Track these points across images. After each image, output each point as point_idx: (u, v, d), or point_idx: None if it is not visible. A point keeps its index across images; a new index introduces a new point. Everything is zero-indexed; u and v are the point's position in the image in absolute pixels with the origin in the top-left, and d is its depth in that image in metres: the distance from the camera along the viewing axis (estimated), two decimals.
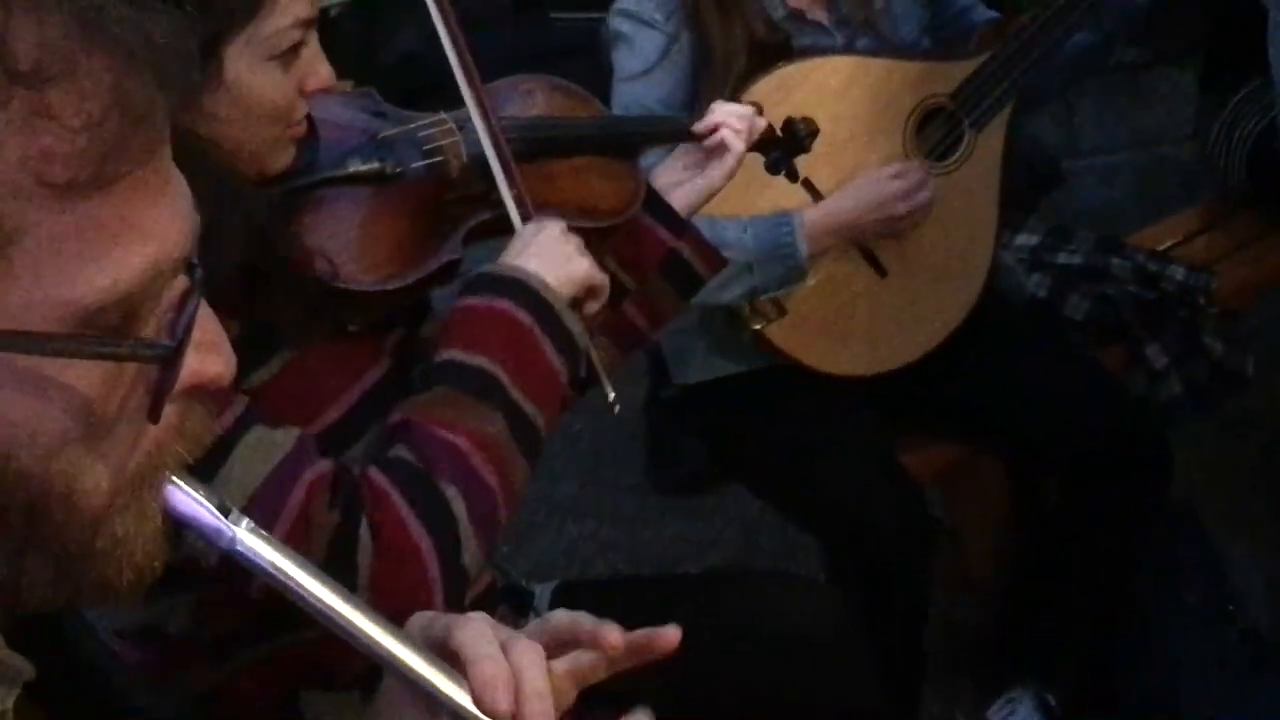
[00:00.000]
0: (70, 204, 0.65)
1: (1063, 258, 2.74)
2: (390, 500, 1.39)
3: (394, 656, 0.85)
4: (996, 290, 2.42)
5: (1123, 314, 2.65)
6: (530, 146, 1.66)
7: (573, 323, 1.54)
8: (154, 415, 0.71)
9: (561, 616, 0.94)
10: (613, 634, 0.92)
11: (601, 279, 1.60)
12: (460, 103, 1.61)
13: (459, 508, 1.41)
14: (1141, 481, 2.33)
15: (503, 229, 1.61)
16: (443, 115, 1.64)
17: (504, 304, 1.51)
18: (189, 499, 0.78)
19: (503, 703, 0.84)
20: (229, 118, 1.40)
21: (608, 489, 3.22)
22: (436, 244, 1.56)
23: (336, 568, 1.32)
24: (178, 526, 0.78)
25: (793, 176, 1.97)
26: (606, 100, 2.18)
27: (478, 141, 1.59)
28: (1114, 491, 2.32)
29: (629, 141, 1.82)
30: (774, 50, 2.25)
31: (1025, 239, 2.79)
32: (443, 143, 1.60)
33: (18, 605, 0.72)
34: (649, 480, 3.29)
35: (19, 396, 0.67)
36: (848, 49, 2.33)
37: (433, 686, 0.85)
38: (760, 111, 1.85)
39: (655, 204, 1.77)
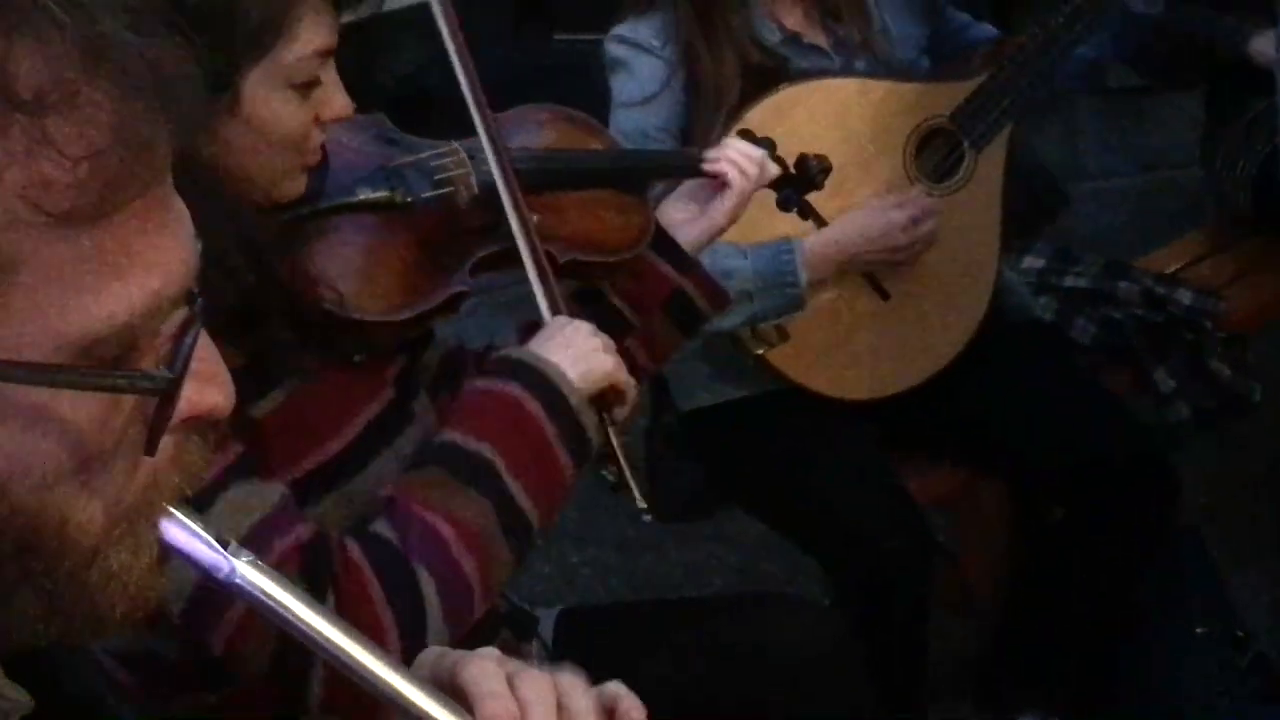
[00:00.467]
0: (70, 234, 0.64)
1: (1069, 280, 2.73)
2: (363, 576, 1.38)
3: (398, 692, 0.84)
4: (1002, 310, 2.41)
5: (1129, 337, 2.64)
6: (541, 178, 1.66)
7: (588, 418, 1.51)
8: (150, 448, 0.70)
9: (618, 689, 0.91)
10: None
11: (627, 380, 1.57)
12: (470, 131, 1.60)
13: (429, 591, 1.39)
14: (1147, 506, 2.32)
15: (511, 262, 1.60)
16: (454, 145, 1.63)
17: (514, 389, 1.49)
18: (186, 531, 0.77)
19: None
20: (245, 146, 1.40)
21: (608, 514, 3.20)
22: (445, 275, 1.56)
23: None
24: (175, 558, 0.77)
25: (804, 214, 1.95)
26: (605, 122, 2.17)
27: (488, 172, 1.58)
28: (1119, 516, 2.30)
29: (640, 175, 1.82)
30: (771, 74, 2.24)
31: (1032, 261, 2.79)
32: (454, 173, 1.60)
33: (6, 640, 0.70)
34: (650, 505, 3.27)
35: (13, 429, 0.65)
36: (846, 71, 2.33)
37: None
38: (774, 149, 1.84)
39: (661, 240, 1.76)
